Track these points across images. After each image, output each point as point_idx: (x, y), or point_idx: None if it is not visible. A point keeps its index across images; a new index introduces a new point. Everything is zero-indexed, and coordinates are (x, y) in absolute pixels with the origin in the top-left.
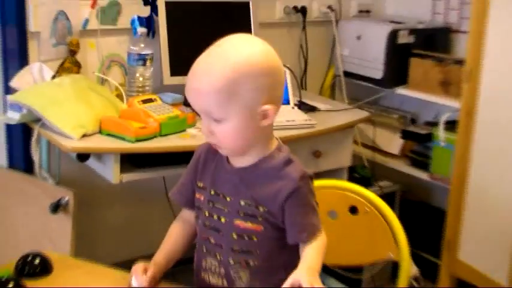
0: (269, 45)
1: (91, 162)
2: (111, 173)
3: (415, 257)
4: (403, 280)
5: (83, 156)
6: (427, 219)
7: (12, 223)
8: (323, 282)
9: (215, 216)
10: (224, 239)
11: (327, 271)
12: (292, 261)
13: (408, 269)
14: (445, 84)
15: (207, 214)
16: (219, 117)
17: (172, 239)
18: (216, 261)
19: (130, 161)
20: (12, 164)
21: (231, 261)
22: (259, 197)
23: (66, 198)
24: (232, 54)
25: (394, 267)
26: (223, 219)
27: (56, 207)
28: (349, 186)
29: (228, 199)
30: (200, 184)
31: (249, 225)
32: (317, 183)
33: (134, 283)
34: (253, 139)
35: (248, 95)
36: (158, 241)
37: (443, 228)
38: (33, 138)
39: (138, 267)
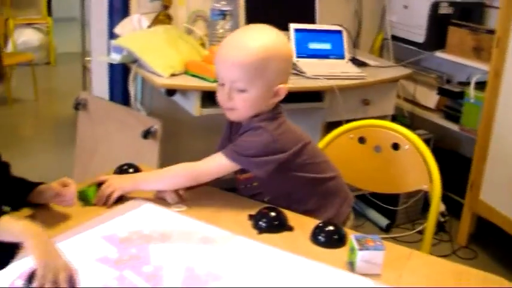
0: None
1: (177, 97)
2: (193, 107)
3: (443, 197)
4: (434, 208)
5: (170, 92)
6: (455, 166)
7: (112, 145)
8: (364, 213)
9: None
10: (242, 190)
11: (367, 202)
12: (295, 191)
13: (439, 198)
14: (477, 50)
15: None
16: (243, 87)
17: None
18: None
19: (209, 98)
20: (112, 97)
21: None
22: None
23: (155, 127)
24: (266, 38)
25: (424, 204)
26: (237, 176)
27: (147, 133)
28: (394, 126)
29: None
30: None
31: (244, 176)
32: (367, 122)
33: (169, 199)
34: (259, 111)
35: (272, 74)
36: None
37: (469, 173)
38: (131, 76)
39: None
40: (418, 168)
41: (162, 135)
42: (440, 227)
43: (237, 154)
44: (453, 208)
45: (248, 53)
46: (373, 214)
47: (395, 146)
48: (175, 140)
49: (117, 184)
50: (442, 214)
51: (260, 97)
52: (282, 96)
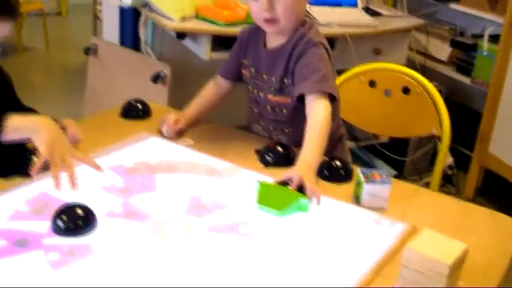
0: None
1: (187, 42)
2: (203, 51)
3: (451, 150)
4: (443, 152)
5: (181, 35)
6: (465, 119)
7: (121, 89)
8: (372, 163)
9: (255, 91)
10: (262, 110)
11: (375, 153)
12: None
13: (448, 142)
14: (492, 2)
15: (250, 89)
16: None
17: (204, 99)
18: (261, 126)
19: (219, 42)
20: (123, 42)
21: (271, 128)
22: (284, 71)
23: (165, 71)
24: None
25: (432, 157)
26: (261, 94)
27: (156, 78)
28: (405, 70)
29: (264, 76)
30: (245, 62)
31: (277, 99)
32: (377, 65)
33: (164, 132)
34: (298, 18)
35: None
36: (235, 109)
37: (478, 127)
38: (141, 20)
39: (170, 117)
40: (428, 113)
41: (172, 79)
42: (447, 180)
43: (325, 81)
44: (461, 162)
45: None
46: (380, 165)
47: (406, 90)
48: (185, 85)
49: (315, 185)
50: (450, 167)
51: (300, 1)
52: None
